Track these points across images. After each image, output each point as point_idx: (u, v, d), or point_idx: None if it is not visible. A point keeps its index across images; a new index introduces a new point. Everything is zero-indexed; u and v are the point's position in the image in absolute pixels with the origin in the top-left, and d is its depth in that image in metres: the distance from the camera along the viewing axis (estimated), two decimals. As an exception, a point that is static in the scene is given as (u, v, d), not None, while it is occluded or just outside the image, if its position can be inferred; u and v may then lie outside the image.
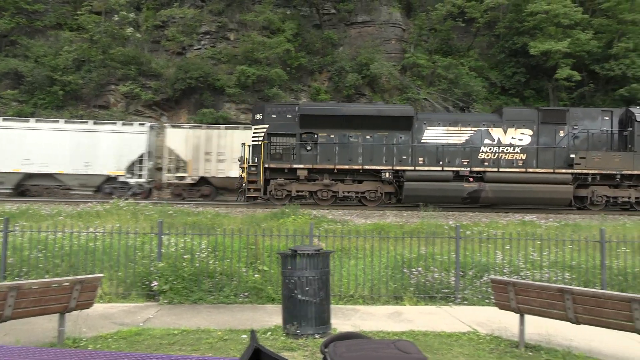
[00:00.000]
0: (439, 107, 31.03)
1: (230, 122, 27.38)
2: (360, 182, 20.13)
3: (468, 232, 11.39)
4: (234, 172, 22.84)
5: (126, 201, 18.04)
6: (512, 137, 20.23)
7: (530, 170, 19.90)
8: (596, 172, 19.84)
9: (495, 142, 20.23)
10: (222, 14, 32.39)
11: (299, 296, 6.57)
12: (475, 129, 20.33)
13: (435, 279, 9.18)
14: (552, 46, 28.83)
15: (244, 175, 19.95)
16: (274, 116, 20.02)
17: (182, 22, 31.58)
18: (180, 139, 23.84)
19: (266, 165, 19.67)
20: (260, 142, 19.85)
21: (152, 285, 8.51)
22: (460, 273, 9.24)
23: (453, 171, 19.80)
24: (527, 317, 6.46)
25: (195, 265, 8.75)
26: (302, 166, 19.74)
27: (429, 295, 9.00)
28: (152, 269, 8.75)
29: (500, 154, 20.15)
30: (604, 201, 20.24)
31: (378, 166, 19.81)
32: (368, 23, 33.64)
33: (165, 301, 8.31)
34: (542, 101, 32.93)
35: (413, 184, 19.57)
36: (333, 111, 20.25)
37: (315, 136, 20.03)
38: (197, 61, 29.87)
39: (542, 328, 6.83)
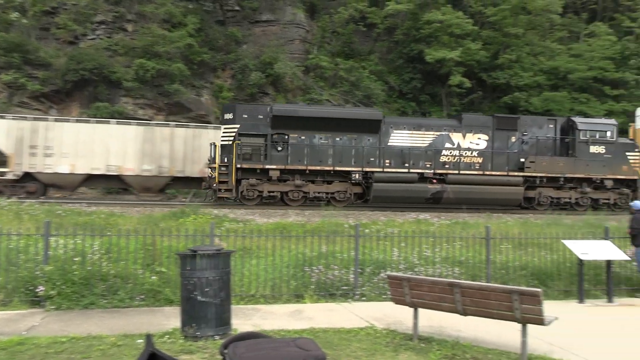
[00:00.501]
0: (341, 109, 31.75)
1: (128, 117, 26.13)
2: (329, 183, 20.43)
3: (367, 231, 11.77)
4: (64, 167, 21.67)
5: (8, 200, 16.61)
6: (470, 142, 21.40)
7: (487, 172, 21.16)
8: (543, 175, 21.45)
9: (455, 146, 21.28)
10: (120, 4, 30.84)
11: (199, 297, 6.42)
12: (438, 133, 21.28)
13: (336, 277, 9.38)
14: (446, 54, 30.55)
15: (215, 175, 19.59)
16: (245, 116, 19.98)
17: (74, 10, 29.65)
18: (1, 130, 21.71)
19: (238, 166, 19.48)
20: (230, 142, 19.63)
21: (38, 290, 7.91)
22: (359, 270, 9.52)
23: (418, 173, 20.62)
24: (421, 310, 6.80)
25: (86, 268, 8.26)
26: (274, 167, 19.77)
27: (329, 292, 9.18)
28: (37, 272, 8.14)
29: (460, 157, 21.25)
30: (549, 201, 21.86)
31: (348, 167, 20.27)
32: (272, 22, 33.64)
33: (53, 307, 7.76)
34: (436, 106, 34.81)
35: (381, 185, 20.19)
36: (305, 113, 20.53)
37: (286, 137, 20.14)
38: (92, 52, 28.18)
39: (434, 320, 7.22)
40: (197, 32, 30.30)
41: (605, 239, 10.40)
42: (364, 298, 9.18)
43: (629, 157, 22.28)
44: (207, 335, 6.39)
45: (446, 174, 20.90)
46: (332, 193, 20.42)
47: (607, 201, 22.11)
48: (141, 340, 6.22)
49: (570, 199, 21.95)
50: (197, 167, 22.83)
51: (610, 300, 9.64)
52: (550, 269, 10.44)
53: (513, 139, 21.79)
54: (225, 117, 20.49)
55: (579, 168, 21.69)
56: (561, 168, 21.57)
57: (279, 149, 20.06)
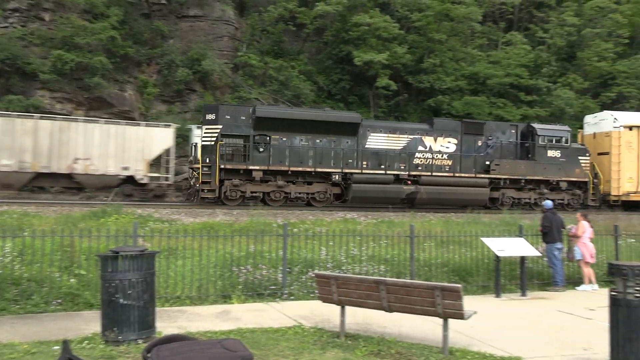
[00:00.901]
0: (270, 108, 31.64)
1: (44, 112, 24.68)
2: (309, 183, 20.75)
3: (295, 230, 11.82)
4: None
5: None
6: (441, 145, 22.38)
7: (457, 174, 22.13)
8: (507, 177, 22.75)
9: (427, 149, 22.18)
10: (36, -9, 29.05)
11: (121, 300, 6.19)
12: (411, 136, 22.08)
13: (264, 276, 9.35)
14: (374, 57, 31.19)
15: (197, 175, 19.42)
16: (228, 117, 19.93)
17: (-16, -5, 27.66)
18: None
19: (222, 166, 19.34)
20: (213, 143, 19.47)
21: (-60, 296, 7.32)
22: (288, 269, 9.53)
23: (394, 175, 21.30)
24: (348, 308, 6.91)
25: (-4, 272, 7.74)
26: (257, 167, 19.86)
27: (257, 292, 9.13)
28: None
29: (431, 160, 22.11)
30: (511, 202, 23.07)
31: (328, 169, 20.67)
32: (200, 18, 32.92)
33: (-43, 314, 7.21)
34: (364, 107, 35.46)
35: (359, 186, 20.69)
36: (287, 115, 21.08)
37: (268, 138, 20.30)
38: (4, 41, 26.36)
39: (360, 318, 7.36)
40: (120, 24, 29.11)
41: (520, 237, 11.03)
42: (292, 297, 9.20)
43: (580, 161, 23.98)
44: (129, 340, 6.17)
45: (419, 175, 21.69)
46: (313, 193, 20.83)
47: (561, 201, 23.55)
48: (57, 347, 5.91)
49: (529, 199, 23.39)
50: (64, 163, 21.31)
51: (523, 294, 10.23)
52: (470, 266, 10.94)
53: (479, 143, 23.03)
54: (207, 118, 20.20)
55: (537, 171, 23.20)
56: (522, 170, 23.02)
57: (261, 150, 20.16)
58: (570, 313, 8.68)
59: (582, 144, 25.23)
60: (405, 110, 36.34)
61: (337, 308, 6.94)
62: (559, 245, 11.01)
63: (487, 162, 22.64)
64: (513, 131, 23.91)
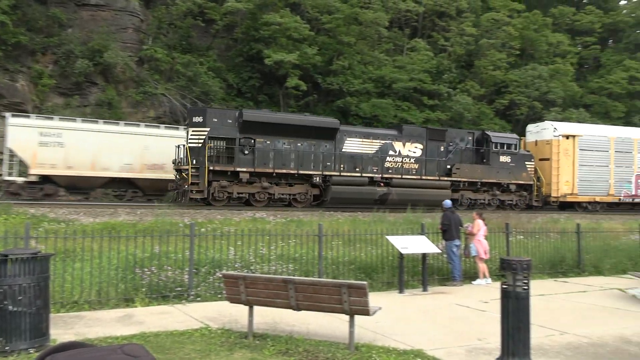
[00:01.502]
0: (177, 104, 30.73)
1: None
2: (291, 185, 21.55)
3: (203, 230, 11.56)
4: None
5: None
6: (409, 150, 23.81)
7: (423, 177, 23.69)
8: (466, 180, 24.56)
9: (397, 154, 23.51)
10: None
11: (10, 307, 5.74)
12: (383, 141, 23.31)
13: (169, 278, 9.06)
14: (284, 57, 31.27)
15: (185, 176, 19.57)
16: (215, 120, 20.45)
17: None
18: None
19: (211, 168, 19.75)
20: (200, 145, 19.94)
21: None
22: (195, 270, 9.31)
23: (368, 177, 22.52)
24: (256, 308, 6.88)
25: None
26: (244, 169, 20.41)
27: (162, 294, 8.83)
28: None
29: (401, 164, 23.53)
30: (468, 202, 24.62)
31: (309, 171, 21.58)
32: (102, 7, 31.24)
33: None
34: (274, 106, 35.44)
35: (337, 187, 21.76)
36: (271, 119, 21.64)
37: (253, 141, 20.88)
38: None
39: (269, 317, 7.35)
40: (12, 9, 26.93)
41: (422, 234, 11.55)
42: (199, 298, 9.00)
43: (527, 166, 26.25)
44: (19, 349, 5.75)
45: (391, 178, 23.03)
46: (294, 194, 21.58)
47: (510, 202, 25.76)
48: None
49: (484, 200, 25.16)
50: None
51: (425, 289, 10.73)
52: (376, 263, 11.29)
53: (442, 148, 24.57)
54: (193, 120, 20.58)
55: (491, 174, 25.19)
56: (479, 174, 24.97)
57: (246, 152, 20.73)
58: (466, 306, 9.22)
59: (528, 151, 27.43)
60: (315, 110, 36.73)
61: (246, 308, 6.88)
62: (457, 242, 11.66)
63: (449, 166, 24.39)
64: (470, 138, 25.76)
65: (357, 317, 6.43)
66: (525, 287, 5.48)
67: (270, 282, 6.71)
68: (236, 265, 9.75)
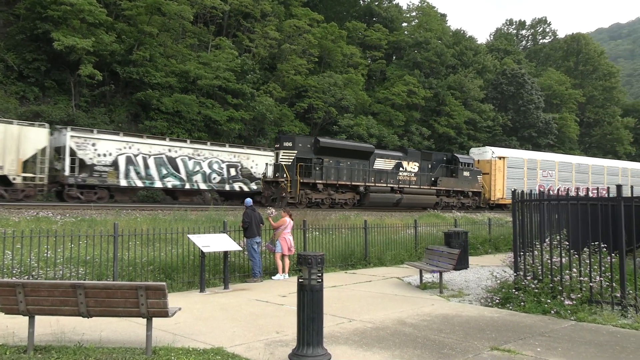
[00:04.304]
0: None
1: None
2: (343, 192, 29.14)
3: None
4: None
5: None
6: (411, 167, 33.17)
7: (421, 187, 32.97)
8: (444, 188, 34.47)
9: (405, 170, 32.70)
10: None
11: None
12: (396, 161, 32.50)
13: None
14: (77, 43, 28.62)
15: (283, 186, 26.09)
16: (300, 145, 27.62)
17: None
18: None
19: (301, 180, 26.65)
20: (291, 163, 26.88)
21: None
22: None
23: (390, 187, 31.14)
24: (40, 318, 6.19)
25: None
26: (321, 181, 27.81)
27: None
28: None
29: (407, 177, 32.60)
30: (444, 204, 34.01)
31: (357, 182, 29.52)
32: None
33: None
34: (64, 94, 32.16)
35: (373, 194, 29.94)
36: (336, 145, 30.08)
37: (322, 161, 28.29)
38: None
39: (55, 327, 6.67)
40: None
41: (224, 232, 11.60)
42: (-36, 312, 7.75)
43: (478, 178, 36.64)
44: None
45: (402, 187, 31.88)
46: (346, 200, 29.23)
47: (468, 204, 35.83)
48: None
49: (454, 203, 34.94)
50: None
51: (226, 287, 10.80)
52: (176, 263, 11.00)
53: (429, 165, 34.36)
54: (284, 145, 27.51)
55: (458, 184, 35.24)
56: (452, 184, 34.92)
57: (317, 169, 27.93)
58: (266, 301, 9.52)
59: (477, 168, 37.33)
60: (112, 102, 34.36)
61: (25, 319, 6.14)
62: (257, 239, 11.97)
63: (434, 179, 34.04)
64: (445, 158, 35.97)
65: (156, 320, 6.19)
66: (319, 280, 5.86)
67: (56, 288, 6.07)
68: (14, 272, 8.64)
